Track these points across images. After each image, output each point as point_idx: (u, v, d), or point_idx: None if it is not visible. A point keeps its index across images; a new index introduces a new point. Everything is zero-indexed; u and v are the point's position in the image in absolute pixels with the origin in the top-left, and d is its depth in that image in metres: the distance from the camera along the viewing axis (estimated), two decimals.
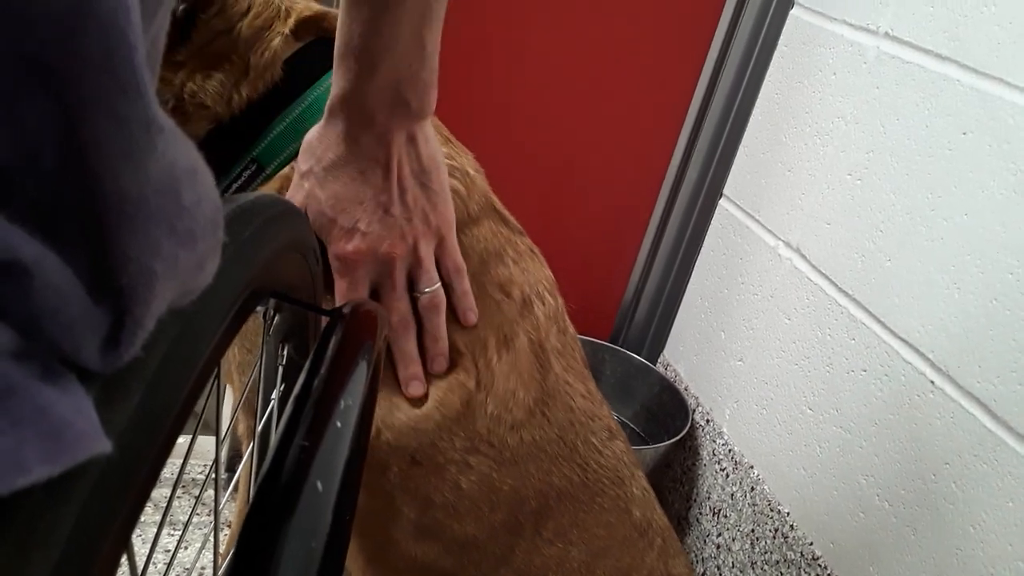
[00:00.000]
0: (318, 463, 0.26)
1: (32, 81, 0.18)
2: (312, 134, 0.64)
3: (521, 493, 0.71)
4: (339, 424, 0.28)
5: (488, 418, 0.69)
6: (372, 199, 0.62)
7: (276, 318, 0.51)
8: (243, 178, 0.70)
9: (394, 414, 0.67)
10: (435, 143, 0.65)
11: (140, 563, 0.32)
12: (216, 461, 0.47)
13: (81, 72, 0.19)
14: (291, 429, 0.27)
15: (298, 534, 0.24)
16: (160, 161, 0.22)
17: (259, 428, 0.56)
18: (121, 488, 0.23)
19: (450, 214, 0.67)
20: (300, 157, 0.64)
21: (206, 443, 1.30)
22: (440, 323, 0.68)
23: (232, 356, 0.72)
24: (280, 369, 0.55)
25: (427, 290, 0.66)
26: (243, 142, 0.70)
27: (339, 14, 0.59)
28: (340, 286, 0.65)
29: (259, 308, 0.48)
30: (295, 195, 0.65)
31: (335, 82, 0.60)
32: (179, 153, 0.24)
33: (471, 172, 0.74)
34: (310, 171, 0.63)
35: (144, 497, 0.25)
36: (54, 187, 0.20)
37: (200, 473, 1.29)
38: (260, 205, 0.36)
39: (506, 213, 0.76)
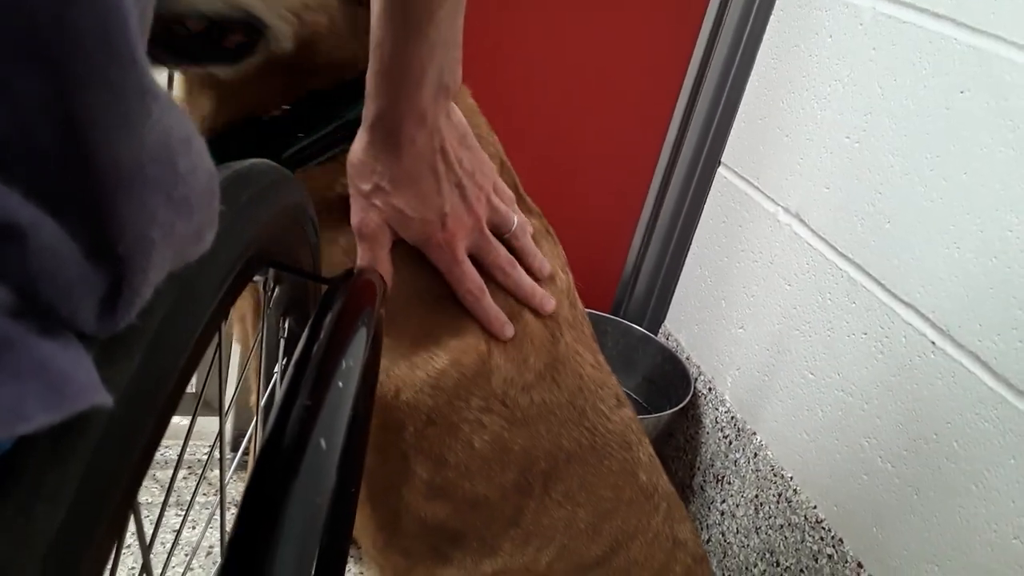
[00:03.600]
0: (321, 422, 0.26)
1: (26, 52, 0.18)
2: (359, 155, 0.64)
3: (531, 454, 0.72)
4: (341, 384, 0.28)
5: (501, 379, 0.70)
6: (445, 183, 0.65)
7: (276, 290, 0.51)
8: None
9: (414, 372, 0.69)
10: (453, 105, 0.67)
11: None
12: (220, 434, 0.47)
13: (74, 43, 0.19)
14: (293, 390, 0.28)
15: (303, 491, 0.24)
16: (155, 130, 0.22)
17: (262, 402, 0.56)
18: (124, 448, 0.23)
19: (487, 158, 0.71)
20: (356, 179, 0.65)
21: (210, 424, 1.30)
22: (530, 243, 0.74)
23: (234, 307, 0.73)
24: (282, 343, 0.55)
25: (512, 228, 0.72)
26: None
27: (372, 31, 0.59)
28: (455, 273, 0.68)
29: (258, 279, 0.48)
30: (367, 216, 0.65)
31: (376, 99, 0.61)
32: (174, 122, 0.24)
33: (504, 160, 0.77)
34: (376, 188, 0.64)
35: (147, 460, 0.25)
36: (50, 156, 0.20)
37: (205, 453, 1.30)
38: (256, 172, 0.36)
39: (523, 193, 0.79)
